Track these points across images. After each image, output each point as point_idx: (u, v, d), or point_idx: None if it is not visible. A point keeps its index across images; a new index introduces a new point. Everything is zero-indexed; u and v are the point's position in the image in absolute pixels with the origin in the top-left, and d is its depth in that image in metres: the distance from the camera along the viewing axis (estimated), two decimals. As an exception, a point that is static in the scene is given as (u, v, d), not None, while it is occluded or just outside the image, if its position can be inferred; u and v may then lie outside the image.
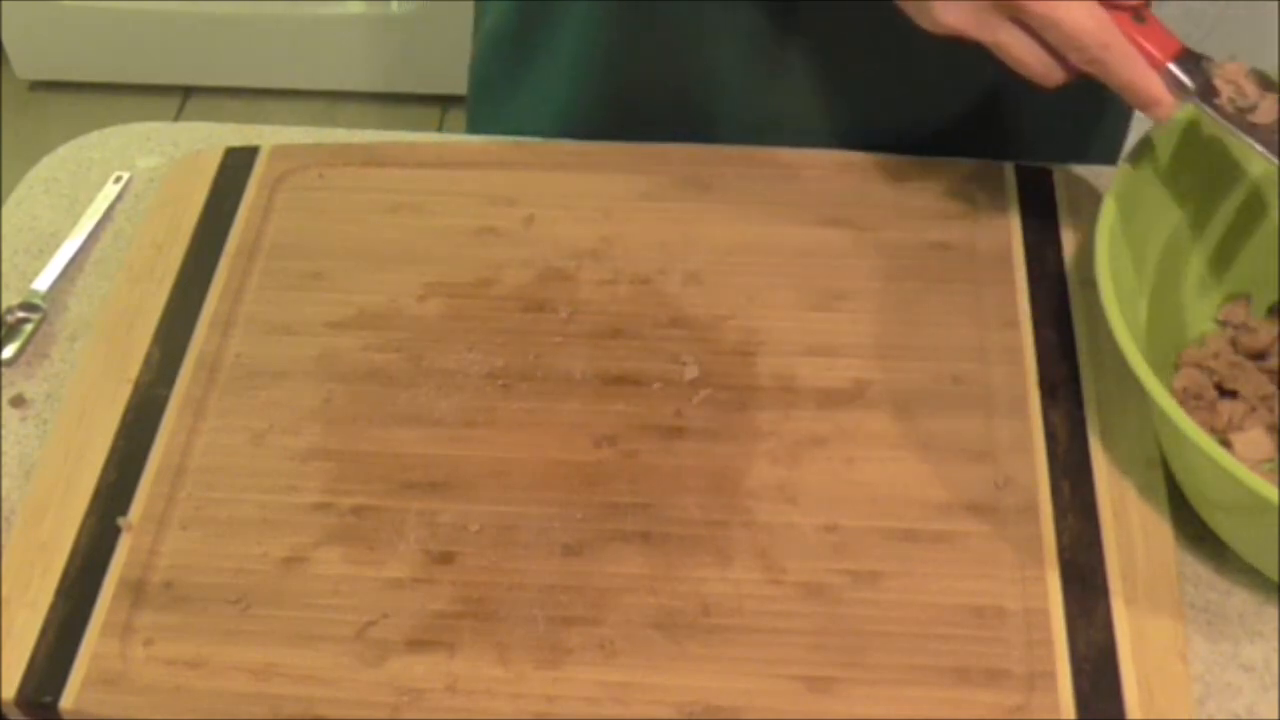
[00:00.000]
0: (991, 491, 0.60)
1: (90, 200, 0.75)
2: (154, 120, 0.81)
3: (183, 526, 0.60)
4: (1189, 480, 0.58)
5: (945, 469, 0.60)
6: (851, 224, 0.70)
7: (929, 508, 0.59)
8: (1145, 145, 0.63)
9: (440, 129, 1.99)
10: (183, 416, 0.64)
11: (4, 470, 0.64)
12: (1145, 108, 0.59)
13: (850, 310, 0.67)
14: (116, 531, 0.60)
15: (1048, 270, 0.67)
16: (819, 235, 0.70)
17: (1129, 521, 0.59)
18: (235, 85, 2.05)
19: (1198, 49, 0.60)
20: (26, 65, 2.08)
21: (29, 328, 0.69)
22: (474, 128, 0.87)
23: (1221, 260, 0.66)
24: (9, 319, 0.69)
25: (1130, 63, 0.58)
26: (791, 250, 0.69)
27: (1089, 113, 0.81)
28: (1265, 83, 0.59)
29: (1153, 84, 0.58)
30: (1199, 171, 0.64)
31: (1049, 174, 0.71)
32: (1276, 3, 1.49)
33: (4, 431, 0.65)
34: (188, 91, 2.09)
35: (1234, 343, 0.65)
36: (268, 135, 0.77)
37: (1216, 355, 0.64)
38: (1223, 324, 0.67)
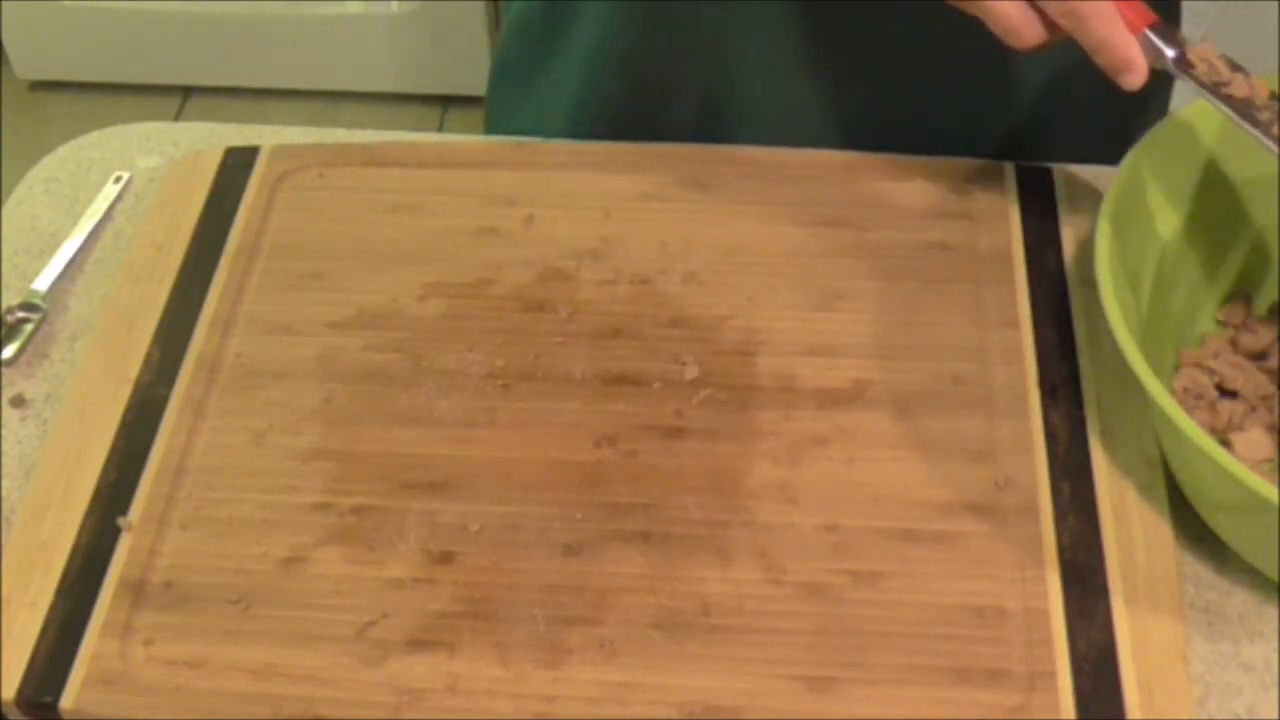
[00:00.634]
0: (991, 491, 0.60)
1: (90, 200, 0.75)
2: (154, 120, 0.81)
3: (183, 526, 0.60)
4: (1189, 480, 0.58)
5: (945, 469, 0.60)
6: (851, 224, 0.70)
7: (929, 508, 0.59)
8: (1145, 145, 0.63)
9: (440, 129, 1.99)
10: (183, 416, 0.64)
11: (4, 470, 0.64)
12: (1118, 71, 0.58)
13: (850, 310, 0.67)
14: (116, 531, 0.60)
15: (1048, 270, 0.67)
16: (819, 235, 0.70)
17: (1129, 521, 0.59)
18: (235, 85, 2.05)
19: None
20: (26, 65, 2.08)
21: (29, 328, 0.69)
22: (492, 118, 0.87)
23: (1221, 260, 0.67)
24: (9, 319, 0.69)
25: (1108, 20, 0.57)
26: (791, 250, 0.69)
27: (1125, 129, 0.79)
28: (1234, 64, 0.59)
29: (1130, 46, 0.57)
30: (1198, 171, 0.64)
31: (1049, 174, 0.71)
32: (1276, 3, 1.49)
33: (4, 431, 0.65)
34: (188, 91, 2.09)
35: (1234, 343, 0.65)
36: (268, 135, 0.77)
37: (1216, 355, 0.64)
38: (1223, 324, 0.67)
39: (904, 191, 0.71)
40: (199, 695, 0.55)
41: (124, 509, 0.61)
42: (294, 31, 1.98)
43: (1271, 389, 0.63)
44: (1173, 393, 0.63)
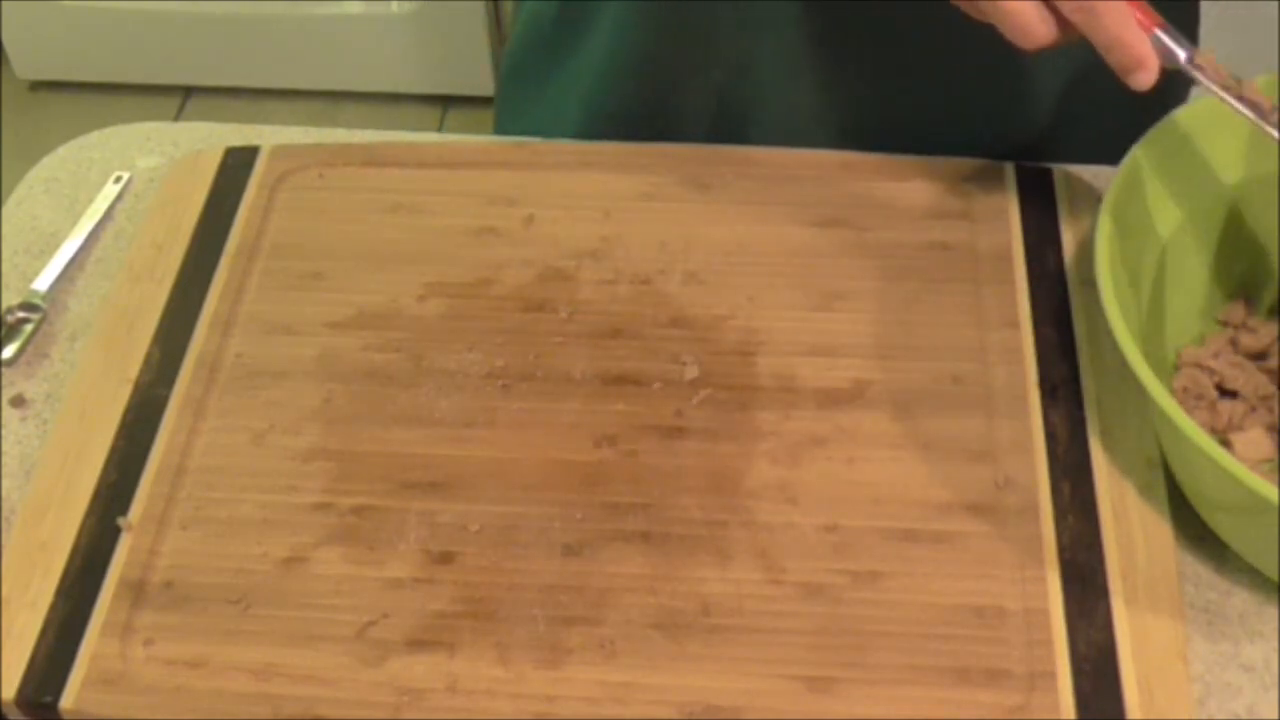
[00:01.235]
0: (991, 491, 0.60)
1: (90, 200, 0.75)
2: (154, 120, 0.81)
3: (183, 526, 0.60)
4: (1189, 480, 0.58)
5: (945, 469, 0.60)
6: (851, 224, 0.70)
7: (929, 508, 0.59)
8: (1145, 145, 0.63)
9: (440, 129, 1.99)
10: (183, 416, 0.64)
11: (4, 470, 0.64)
12: (1130, 69, 0.57)
13: (850, 310, 0.67)
14: (116, 531, 0.60)
15: (1048, 270, 0.67)
16: (819, 235, 0.70)
17: (1129, 521, 0.59)
18: (235, 85, 2.05)
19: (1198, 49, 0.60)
20: (26, 65, 2.08)
21: (29, 328, 0.69)
22: (501, 120, 0.87)
23: (1221, 260, 0.67)
24: (9, 319, 0.69)
25: (1121, 17, 0.56)
26: (791, 250, 0.69)
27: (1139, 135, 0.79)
28: (1234, 76, 0.59)
29: (1143, 44, 0.57)
30: (1198, 171, 0.64)
31: (1049, 174, 0.71)
32: (1277, 3, 1.49)
33: (4, 431, 0.65)
34: (188, 91, 2.09)
35: (1234, 343, 0.65)
36: (268, 135, 0.77)
37: (1216, 355, 0.64)
38: (1223, 324, 0.67)
39: (904, 191, 0.71)
40: (199, 695, 0.55)
41: (124, 509, 0.61)
42: (294, 31, 1.98)
43: (1271, 389, 0.63)
44: (1173, 393, 0.63)
